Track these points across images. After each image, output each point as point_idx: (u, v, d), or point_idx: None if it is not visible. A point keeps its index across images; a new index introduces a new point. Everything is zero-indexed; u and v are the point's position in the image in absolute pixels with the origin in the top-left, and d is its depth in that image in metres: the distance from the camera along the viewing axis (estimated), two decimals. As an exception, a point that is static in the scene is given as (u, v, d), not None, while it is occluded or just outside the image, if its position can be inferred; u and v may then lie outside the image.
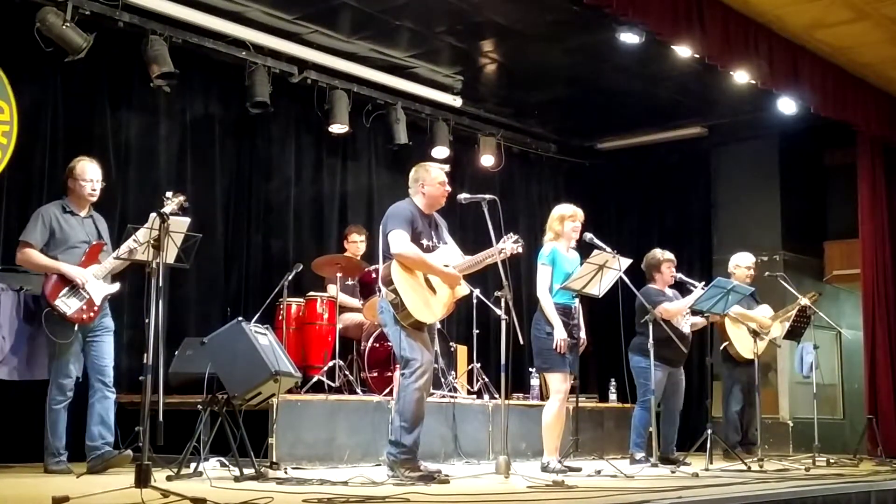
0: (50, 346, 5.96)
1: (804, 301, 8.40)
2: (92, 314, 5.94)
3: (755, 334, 7.96)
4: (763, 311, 8.61)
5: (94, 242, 6.08)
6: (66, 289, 5.88)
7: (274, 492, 4.64)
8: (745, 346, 8.36)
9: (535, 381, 9.26)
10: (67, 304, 5.85)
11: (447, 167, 6.11)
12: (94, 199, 6.18)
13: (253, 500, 4.12)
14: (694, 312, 7.81)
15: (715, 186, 11.43)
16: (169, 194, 5.94)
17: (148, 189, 7.96)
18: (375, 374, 7.86)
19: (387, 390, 7.56)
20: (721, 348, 8.52)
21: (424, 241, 5.78)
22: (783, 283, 8.51)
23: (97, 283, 5.97)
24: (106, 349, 6.07)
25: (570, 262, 6.76)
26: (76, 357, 5.98)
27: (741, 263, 8.63)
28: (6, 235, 7.06)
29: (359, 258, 8.48)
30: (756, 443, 8.09)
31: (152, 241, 4.83)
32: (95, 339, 6.04)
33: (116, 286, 6.12)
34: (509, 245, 5.92)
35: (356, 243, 8.56)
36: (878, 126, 9.78)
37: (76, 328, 5.90)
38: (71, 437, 6.03)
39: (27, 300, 6.32)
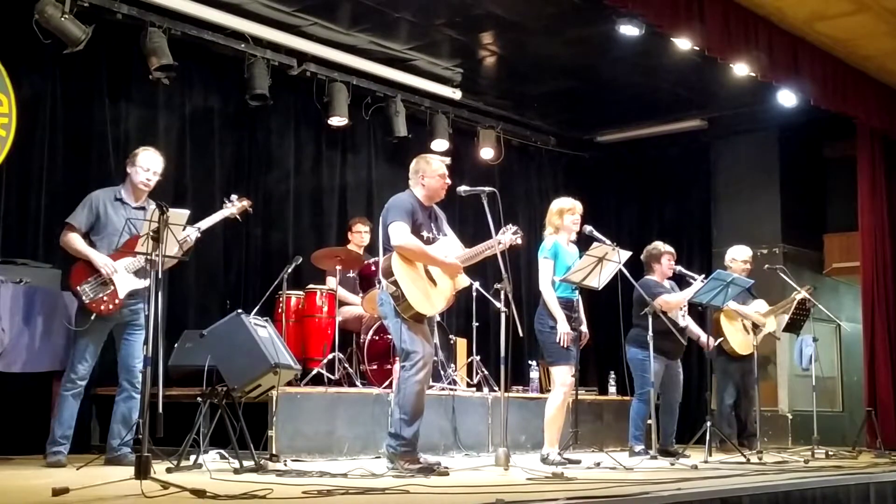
0: (70, 332, 5.95)
1: (799, 295, 8.41)
2: (112, 306, 5.86)
3: (755, 327, 7.97)
4: (758, 307, 8.60)
5: (135, 234, 5.95)
6: (92, 277, 5.83)
7: (274, 484, 4.65)
8: (739, 341, 8.37)
9: (534, 374, 9.28)
10: (88, 292, 5.80)
11: (448, 160, 6.10)
12: (148, 189, 6.10)
13: (253, 492, 4.12)
14: (692, 305, 7.82)
15: (714, 179, 11.41)
16: (234, 197, 6.00)
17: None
18: (375, 367, 7.86)
19: (386, 383, 7.57)
20: (716, 343, 8.52)
21: (424, 233, 5.78)
22: (783, 275, 8.50)
23: (126, 276, 5.90)
24: (137, 348, 5.97)
25: (571, 256, 6.76)
26: (94, 347, 5.95)
27: (737, 257, 8.59)
28: (5, 228, 7.06)
29: (362, 249, 8.47)
30: (756, 435, 8.11)
31: (152, 234, 4.82)
32: (129, 339, 6.00)
33: (145, 282, 5.89)
34: (508, 236, 5.94)
35: (361, 233, 8.54)
36: (878, 118, 9.78)
37: (93, 317, 5.83)
38: (76, 429, 6.02)
39: (27, 292, 6.32)
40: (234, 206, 6.30)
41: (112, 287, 5.87)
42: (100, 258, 5.87)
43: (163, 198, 5.65)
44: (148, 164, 6.09)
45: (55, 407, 5.93)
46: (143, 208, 6.08)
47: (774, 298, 8.79)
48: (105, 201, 6.01)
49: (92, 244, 5.93)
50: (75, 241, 5.92)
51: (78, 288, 5.81)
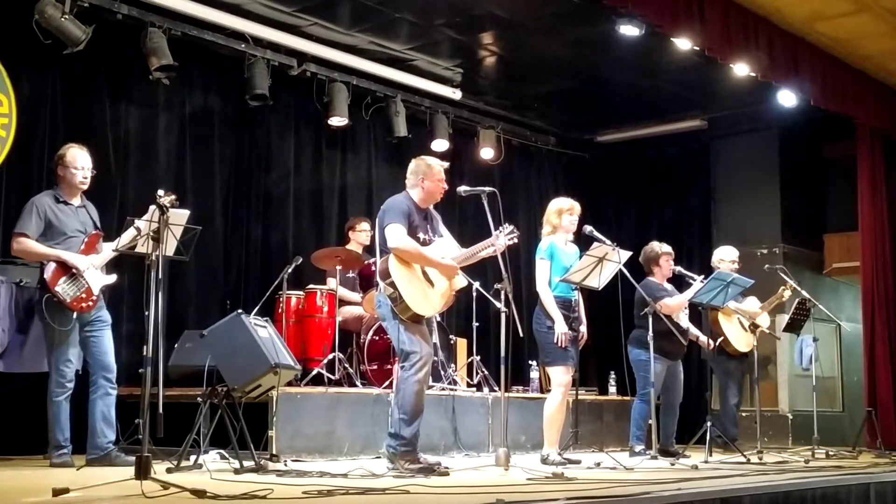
0: (49, 336, 5.91)
1: (787, 291, 8.40)
2: (91, 303, 5.90)
3: (755, 327, 7.96)
4: (750, 304, 8.60)
5: (92, 232, 6.05)
6: (66, 276, 5.83)
7: (274, 484, 4.65)
8: (738, 339, 8.37)
9: (534, 374, 9.28)
10: (67, 292, 5.80)
11: (447, 164, 6.10)
12: (86, 186, 6.10)
13: (253, 493, 4.12)
14: (693, 305, 7.81)
15: (714, 179, 11.41)
16: (161, 192, 5.87)
17: (147, 181, 7.95)
18: (375, 367, 7.86)
19: (386, 383, 7.57)
20: (716, 343, 8.51)
21: (421, 235, 5.78)
22: (783, 275, 8.50)
23: (96, 272, 5.94)
24: (107, 343, 6.03)
25: (569, 256, 6.76)
26: (75, 347, 5.95)
27: (725, 257, 8.54)
28: (5, 228, 7.06)
29: (363, 249, 8.45)
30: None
31: (152, 234, 4.82)
32: (95, 334, 5.99)
33: (114, 277, 6.09)
34: (502, 239, 5.89)
35: (366, 231, 8.50)
36: (878, 118, 9.78)
37: (75, 316, 5.87)
38: (74, 429, 6.03)
39: (26, 293, 6.32)
40: (165, 200, 6.02)
41: (86, 284, 5.88)
42: (72, 256, 5.87)
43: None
44: (82, 163, 6.05)
45: (50, 414, 5.88)
46: (83, 206, 6.11)
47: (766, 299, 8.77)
48: (50, 206, 5.95)
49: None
50: (35, 246, 5.86)
51: (56, 288, 5.78)
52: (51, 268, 5.83)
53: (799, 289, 8.40)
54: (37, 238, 5.88)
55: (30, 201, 6.01)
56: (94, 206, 6.27)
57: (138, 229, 5.45)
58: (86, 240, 5.99)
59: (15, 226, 5.95)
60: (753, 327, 7.98)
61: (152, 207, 4.99)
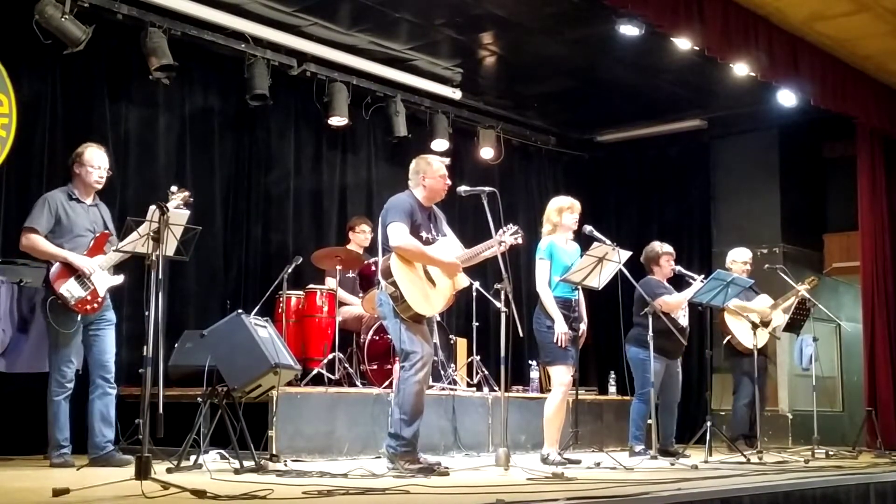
0: (51, 336, 5.90)
1: (802, 288, 8.39)
2: (95, 305, 5.90)
3: (755, 327, 7.96)
4: (762, 302, 8.60)
5: (100, 232, 6.04)
6: (72, 278, 5.82)
7: (274, 484, 4.65)
8: (747, 337, 8.36)
9: (534, 374, 9.28)
10: (71, 293, 5.79)
11: (447, 160, 6.10)
12: (101, 186, 6.11)
13: (253, 493, 4.12)
14: (693, 305, 7.81)
15: (714, 179, 11.42)
16: (174, 188, 5.87)
17: (147, 181, 7.97)
18: (375, 367, 7.86)
19: (386, 383, 7.57)
20: (724, 342, 8.51)
21: (424, 234, 5.78)
22: (783, 275, 8.50)
23: (102, 274, 5.93)
24: (108, 343, 6.02)
25: (569, 255, 6.76)
26: (77, 348, 5.95)
27: (738, 259, 8.61)
28: (5, 228, 7.06)
29: (363, 250, 8.45)
30: (757, 435, 8.10)
31: (152, 234, 4.83)
32: (97, 333, 5.98)
33: (121, 278, 6.07)
34: (507, 237, 5.92)
35: (365, 233, 8.51)
36: (878, 118, 9.78)
37: (79, 318, 5.86)
38: (73, 429, 6.03)
39: (27, 293, 6.32)
40: (178, 196, 5.86)
41: (92, 286, 5.88)
42: (79, 259, 5.87)
43: (164, 198, 5.65)
44: (98, 162, 6.07)
45: (50, 414, 5.87)
46: (95, 205, 6.11)
47: (774, 298, 8.77)
48: (62, 202, 5.95)
49: (58, 247, 5.88)
50: (43, 244, 5.85)
51: (60, 290, 5.78)
52: (56, 268, 5.83)
53: (809, 296, 8.37)
54: (46, 234, 5.87)
55: (42, 197, 6.01)
56: (105, 205, 6.27)
57: (140, 234, 5.42)
58: (94, 239, 5.97)
59: (25, 220, 5.93)
60: (754, 327, 7.97)
61: (152, 207, 4.98)
